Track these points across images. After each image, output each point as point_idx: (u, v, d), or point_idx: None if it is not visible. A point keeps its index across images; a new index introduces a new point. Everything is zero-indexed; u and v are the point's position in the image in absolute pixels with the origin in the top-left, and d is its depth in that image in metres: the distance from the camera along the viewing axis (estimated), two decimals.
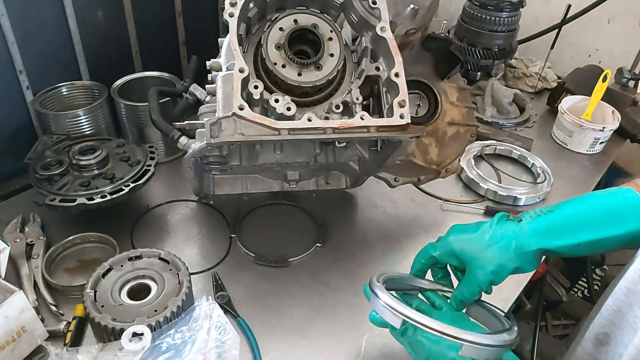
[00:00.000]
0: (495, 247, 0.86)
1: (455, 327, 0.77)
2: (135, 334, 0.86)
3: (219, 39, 1.06)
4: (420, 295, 0.96)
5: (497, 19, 1.74)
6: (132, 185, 1.15)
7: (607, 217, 0.83)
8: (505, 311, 1.04)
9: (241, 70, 0.93)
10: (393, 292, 0.92)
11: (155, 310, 0.93)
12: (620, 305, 0.82)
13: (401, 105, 0.96)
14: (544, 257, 0.90)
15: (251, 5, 1.00)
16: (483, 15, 1.75)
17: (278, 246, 1.22)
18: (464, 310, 0.92)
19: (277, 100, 0.95)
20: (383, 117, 1.01)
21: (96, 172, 1.18)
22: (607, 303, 0.83)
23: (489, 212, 1.37)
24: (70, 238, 1.14)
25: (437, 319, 0.79)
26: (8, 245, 1.04)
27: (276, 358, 0.98)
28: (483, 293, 0.89)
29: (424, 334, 0.81)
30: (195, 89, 1.24)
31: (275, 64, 0.99)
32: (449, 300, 0.91)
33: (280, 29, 1.00)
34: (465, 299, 0.88)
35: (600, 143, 1.64)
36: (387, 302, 0.82)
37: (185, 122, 1.10)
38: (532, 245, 0.84)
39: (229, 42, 0.97)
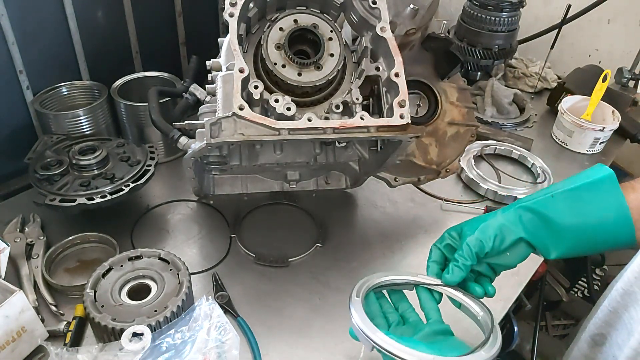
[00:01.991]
0: (485, 215, 0.91)
1: (431, 349, 0.76)
2: (135, 334, 0.86)
3: (219, 39, 1.06)
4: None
5: (497, 19, 1.74)
6: (132, 185, 1.15)
7: (579, 176, 0.89)
8: (505, 312, 1.04)
9: (241, 70, 0.93)
10: (384, 291, 0.92)
11: (155, 310, 0.93)
12: (616, 306, 0.82)
13: (401, 105, 0.96)
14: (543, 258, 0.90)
15: (251, 5, 1.00)
16: (483, 15, 1.75)
17: (278, 246, 1.22)
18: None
19: (277, 100, 0.95)
20: (383, 117, 1.01)
21: (96, 172, 1.18)
22: (604, 304, 0.84)
23: (489, 212, 1.37)
24: (70, 238, 1.14)
25: (415, 339, 0.78)
26: (8, 245, 1.04)
27: (276, 358, 0.98)
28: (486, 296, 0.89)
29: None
30: (195, 89, 1.24)
31: (275, 64, 0.99)
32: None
33: (280, 29, 1.00)
34: (460, 263, 0.87)
35: (600, 143, 1.64)
36: (358, 324, 0.79)
37: (185, 122, 1.10)
38: (512, 205, 0.88)
39: (229, 42, 0.97)
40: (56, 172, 1.16)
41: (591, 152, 1.66)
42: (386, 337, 0.77)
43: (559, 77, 1.99)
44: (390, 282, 0.92)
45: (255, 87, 0.95)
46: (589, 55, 2.03)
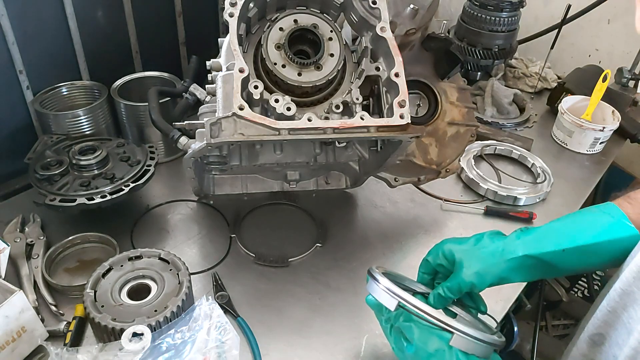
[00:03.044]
0: (483, 251, 0.87)
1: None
2: (135, 334, 0.86)
3: (219, 39, 1.06)
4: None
5: (497, 19, 1.74)
6: (132, 185, 1.15)
7: (591, 227, 0.84)
8: (505, 312, 1.05)
9: (241, 70, 0.93)
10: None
11: (155, 310, 0.93)
12: (614, 306, 0.82)
13: (401, 105, 0.96)
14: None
15: (251, 5, 1.00)
16: (483, 15, 1.75)
17: (278, 246, 1.22)
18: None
19: (277, 100, 0.95)
20: (383, 117, 1.01)
21: (96, 172, 1.18)
22: (602, 304, 0.83)
23: (489, 212, 1.37)
24: (70, 238, 1.14)
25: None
26: (8, 245, 1.04)
27: (276, 358, 0.98)
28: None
29: (414, 320, 0.80)
30: (195, 89, 1.24)
31: (275, 64, 0.99)
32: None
33: (280, 29, 1.00)
34: (445, 295, 0.88)
35: (600, 143, 1.64)
36: (385, 284, 0.83)
37: (185, 122, 1.10)
38: (518, 251, 0.85)
39: (229, 42, 0.97)
40: (56, 172, 1.16)
41: (591, 152, 1.66)
42: (412, 297, 0.80)
43: (559, 77, 1.98)
44: (398, 278, 0.95)
45: (255, 87, 0.95)
46: (589, 55, 2.03)
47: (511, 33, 1.81)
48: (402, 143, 1.03)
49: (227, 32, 0.96)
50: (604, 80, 1.62)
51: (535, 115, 1.81)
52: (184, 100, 1.26)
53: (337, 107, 1.01)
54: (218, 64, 1.02)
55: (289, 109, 0.95)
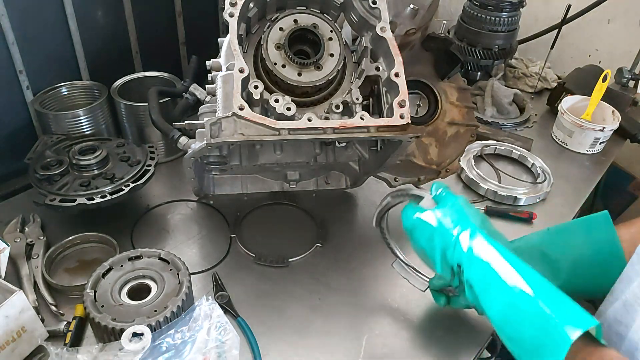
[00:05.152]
0: None
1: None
2: (135, 334, 0.86)
3: (219, 39, 1.06)
4: None
5: (497, 19, 1.74)
6: (132, 185, 1.15)
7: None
8: None
9: (241, 70, 0.93)
10: None
11: (155, 310, 0.93)
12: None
13: (401, 105, 0.96)
14: None
15: (251, 5, 1.00)
16: (483, 15, 1.75)
17: (278, 246, 1.22)
18: None
19: (277, 100, 0.95)
20: (383, 117, 1.01)
21: (96, 172, 1.18)
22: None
23: (489, 212, 1.37)
24: (70, 238, 1.14)
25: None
26: (8, 245, 1.04)
27: (276, 358, 0.98)
28: None
29: None
30: (195, 89, 1.24)
31: (275, 64, 0.99)
32: None
33: (280, 29, 1.00)
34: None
35: (600, 143, 1.64)
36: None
37: (185, 122, 1.10)
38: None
39: (229, 42, 0.97)
40: (56, 172, 1.16)
41: (591, 152, 1.66)
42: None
43: (559, 77, 1.99)
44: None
45: (255, 87, 0.95)
46: (589, 55, 2.03)
47: (511, 33, 1.81)
48: (402, 143, 1.03)
49: (227, 32, 0.96)
50: (604, 80, 1.62)
51: (535, 115, 1.81)
52: (184, 100, 1.26)
53: (337, 107, 1.01)
54: (218, 64, 1.02)
55: (289, 109, 0.95)
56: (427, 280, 1.03)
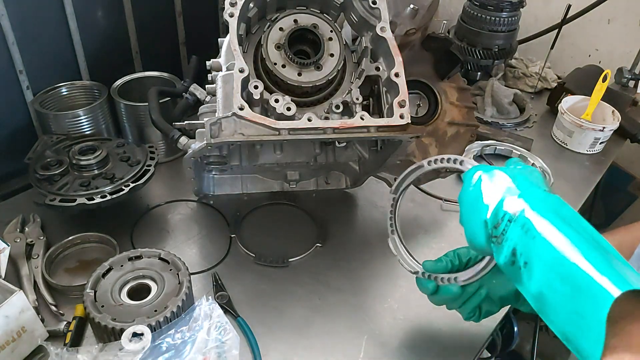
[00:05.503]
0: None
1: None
2: (135, 334, 0.86)
3: (219, 39, 1.06)
4: None
5: (497, 19, 1.74)
6: (132, 185, 1.15)
7: None
8: (505, 312, 1.04)
9: (241, 70, 0.93)
10: None
11: (155, 310, 0.93)
12: None
13: (401, 105, 0.96)
14: None
15: (251, 5, 1.00)
16: (483, 15, 1.75)
17: (278, 246, 1.22)
18: None
19: (277, 100, 0.95)
20: (383, 117, 1.01)
21: (96, 172, 1.18)
22: None
23: None
24: (70, 238, 1.14)
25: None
26: (8, 245, 1.04)
27: (276, 358, 0.98)
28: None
29: None
30: (195, 89, 1.24)
31: (275, 64, 0.99)
32: None
33: (280, 29, 1.00)
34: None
35: (600, 143, 1.64)
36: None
37: (185, 122, 1.10)
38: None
39: (229, 42, 0.97)
40: (56, 172, 1.16)
41: (591, 152, 1.66)
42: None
43: (559, 77, 1.98)
44: None
45: (255, 87, 0.95)
46: (589, 55, 2.03)
47: (511, 33, 1.81)
48: (402, 143, 1.03)
49: (227, 32, 0.96)
50: (604, 80, 1.62)
51: (535, 115, 1.81)
52: (184, 100, 1.26)
53: (337, 107, 1.01)
54: (218, 64, 1.02)
55: (289, 109, 0.95)
56: (420, 264, 0.98)
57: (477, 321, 0.96)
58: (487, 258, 0.85)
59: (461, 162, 0.89)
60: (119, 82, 1.42)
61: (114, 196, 1.13)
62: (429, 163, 0.93)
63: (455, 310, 0.97)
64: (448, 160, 0.90)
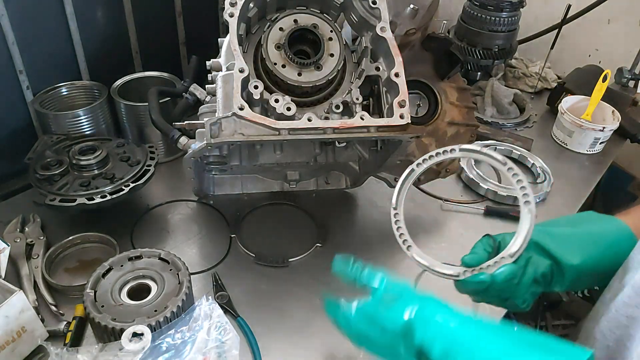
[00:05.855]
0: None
1: None
2: (135, 334, 0.86)
3: (219, 39, 1.06)
4: None
5: (497, 19, 1.74)
6: (132, 185, 1.15)
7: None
8: (505, 312, 1.04)
9: (241, 70, 0.93)
10: None
11: (155, 310, 0.93)
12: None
13: (401, 105, 0.96)
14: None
15: (251, 5, 1.00)
16: (483, 15, 1.75)
17: (278, 246, 1.22)
18: None
19: (277, 100, 0.95)
20: (383, 117, 1.01)
21: (96, 172, 1.18)
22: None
23: (489, 212, 1.37)
24: (70, 238, 1.14)
25: None
26: (8, 245, 1.04)
27: (276, 358, 0.98)
28: None
29: None
30: (195, 89, 1.24)
31: (275, 64, 0.99)
32: None
33: (280, 29, 1.00)
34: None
35: (600, 143, 1.64)
36: None
37: (185, 122, 1.10)
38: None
39: (229, 42, 0.97)
40: (56, 172, 1.16)
41: (591, 152, 1.66)
42: None
43: (559, 77, 1.98)
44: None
45: (255, 87, 0.95)
46: (589, 55, 2.03)
47: (511, 33, 1.81)
48: (402, 143, 1.03)
49: (227, 32, 0.96)
50: (604, 80, 1.62)
51: (535, 115, 1.81)
52: (184, 100, 1.26)
53: (337, 107, 1.01)
54: (218, 64, 1.02)
55: (289, 109, 0.95)
56: (453, 265, 0.92)
57: (529, 305, 0.92)
58: (524, 224, 0.84)
59: (451, 151, 0.87)
60: (119, 82, 1.42)
61: (114, 196, 1.13)
62: (417, 165, 0.90)
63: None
64: (437, 154, 0.88)
